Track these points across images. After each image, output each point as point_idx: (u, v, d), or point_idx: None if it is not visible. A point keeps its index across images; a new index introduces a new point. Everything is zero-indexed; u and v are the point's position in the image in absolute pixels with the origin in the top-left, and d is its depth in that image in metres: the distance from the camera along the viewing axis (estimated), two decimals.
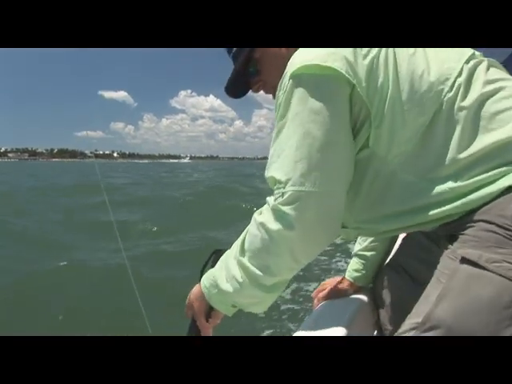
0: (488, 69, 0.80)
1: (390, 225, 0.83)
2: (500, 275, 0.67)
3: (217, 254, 0.98)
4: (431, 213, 0.77)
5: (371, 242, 1.19)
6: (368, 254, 1.20)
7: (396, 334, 0.79)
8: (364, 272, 1.22)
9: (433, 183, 0.76)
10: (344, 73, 0.73)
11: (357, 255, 1.24)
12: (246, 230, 0.85)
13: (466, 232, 0.74)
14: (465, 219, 0.75)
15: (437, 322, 0.70)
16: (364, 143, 0.79)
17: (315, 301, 1.28)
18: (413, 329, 0.74)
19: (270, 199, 0.79)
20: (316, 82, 0.75)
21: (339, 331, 0.92)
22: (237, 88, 1.04)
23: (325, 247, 0.83)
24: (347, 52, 0.75)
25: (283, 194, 0.76)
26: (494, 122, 0.74)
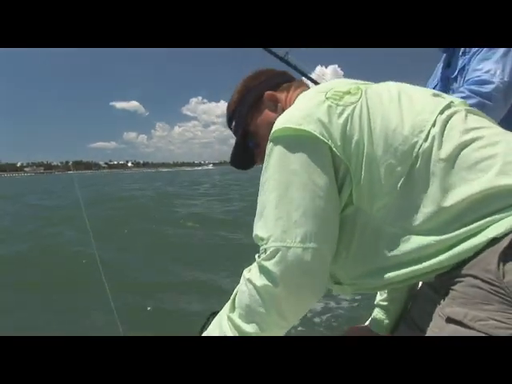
0: (466, 117, 0.80)
1: (383, 279, 0.81)
2: (486, 334, 0.66)
3: (214, 316, 0.96)
4: (421, 266, 0.76)
5: (392, 293, 1.17)
6: (389, 304, 1.19)
7: None
8: (387, 322, 1.20)
9: (418, 236, 0.76)
10: (318, 135, 0.76)
11: (378, 305, 1.22)
12: (237, 288, 0.86)
13: (455, 287, 0.73)
14: (454, 273, 0.74)
15: None
16: (348, 200, 0.80)
17: None
18: None
19: (257, 256, 0.81)
20: (291, 144, 0.79)
21: None
22: (243, 161, 1.09)
23: (312, 304, 0.84)
24: (321, 113, 0.78)
25: (266, 249, 0.78)
26: (472, 172, 0.74)
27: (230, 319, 0.84)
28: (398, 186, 0.76)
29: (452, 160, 0.75)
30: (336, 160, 0.78)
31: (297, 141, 0.78)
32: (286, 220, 0.77)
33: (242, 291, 0.82)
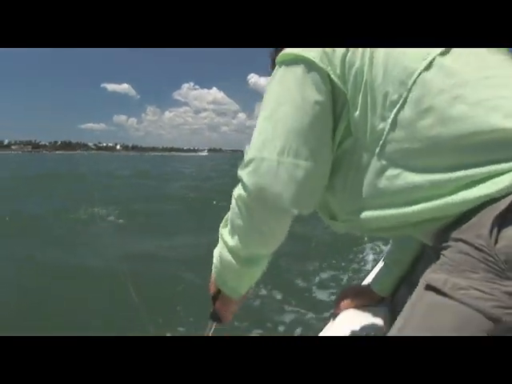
0: (485, 54, 0.73)
1: (375, 219, 0.78)
2: (465, 304, 0.61)
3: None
4: (410, 210, 0.71)
5: (398, 253, 1.17)
6: (393, 265, 1.18)
7: None
8: (389, 284, 1.20)
9: (412, 173, 0.71)
10: (318, 61, 0.76)
11: (383, 266, 1.22)
12: None
13: (445, 253, 0.68)
14: (447, 235, 0.69)
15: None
16: (346, 131, 0.78)
17: (335, 309, 1.27)
18: None
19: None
20: (290, 66, 0.79)
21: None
22: None
23: (286, 224, 0.83)
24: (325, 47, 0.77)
25: (244, 160, 0.79)
26: (479, 108, 0.65)
27: (220, 234, 0.89)
28: (392, 115, 0.72)
29: (455, 93, 0.67)
30: (335, 90, 0.77)
31: (295, 63, 0.78)
32: (270, 133, 0.77)
33: (230, 207, 0.85)
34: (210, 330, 1.04)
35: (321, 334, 1.12)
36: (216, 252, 0.93)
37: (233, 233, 0.86)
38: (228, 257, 0.88)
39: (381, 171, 0.75)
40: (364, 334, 1.06)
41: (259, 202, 0.78)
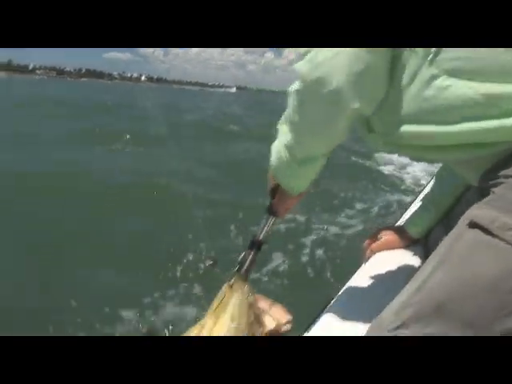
0: None
1: (418, 134, 0.71)
2: None
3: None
4: (463, 128, 0.63)
5: (437, 194, 1.14)
6: (430, 205, 1.14)
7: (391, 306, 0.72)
8: (425, 225, 1.15)
9: (476, 88, 0.62)
10: None
11: (420, 207, 1.18)
12: None
13: (494, 189, 0.61)
14: (498, 172, 0.62)
15: (427, 295, 0.63)
16: None
17: (367, 251, 1.23)
18: (409, 295, 0.67)
19: None
20: None
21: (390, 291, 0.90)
22: None
23: (343, 116, 0.76)
24: None
25: (300, 52, 0.75)
26: None
27: (278, 130, 0.90)
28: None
29: None
30: None
31: None
32: None
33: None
34: (269, 225, 1.06)
35: (353, 278, 1.11)
36: (274, 147, 0.92)
37: (290, 130, 0.85)
38: (285, 154, 0.87)
39: (430, 80, 0.67)
40: (397, 277, 1.03)
41: (316, 92, 0.73)
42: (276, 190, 0.99)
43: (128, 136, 9.49)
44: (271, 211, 1.03)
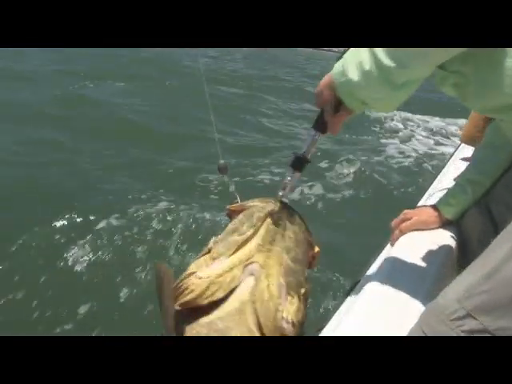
0: None
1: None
2: None
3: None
4: None
5: (475, 174, 1.10)
6: (466, 185, 1.10)
7: (462, 283, 0.69)
8: (460, 206, 1.11)
9: None
10: None
11: (456, 186, 1.14)
12: None
13: None
14: None
15: (502, 284, 0.62)
16: None
17: (396, 231, 1.17)
18: (475, 282, 0.65)
19: None
20: None
21: (421, 274, 0.87)
22: None
23: None
24: None
25: None
26: None
27: (371, 51, 0.78)
28: None
29: None
30: None
31: None
32: None
33: None
34: (314, 141, 0.98)
35: (379, 261, 1.03)
36: (353, 64, 0.81)
37: (392, 52, 0.76)
38: (378, 75, 0.78)
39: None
40: (430, 261, 0.97)
41: None
42: (336, 106, 0.90)
43: None
44: (320, 127, 0.96)
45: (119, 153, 4.53)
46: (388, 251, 1.10)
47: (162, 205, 3.32)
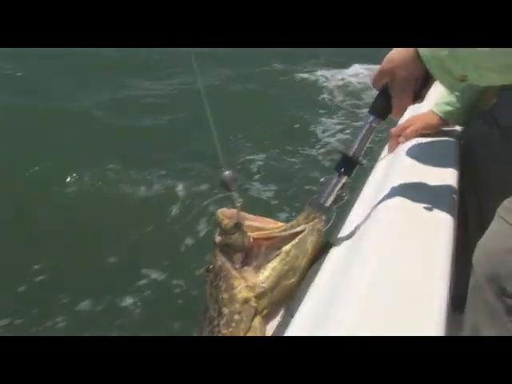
0: None
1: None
2: None
3: None
4: None
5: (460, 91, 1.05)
6: (464, 92, 1.04)
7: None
8: (457, 109, 1.06)
9: None
10: None
11: (442, 97, 1.11)
12: None
13: None
14: None
15: None
16: None
17: (400, 138, 1.09)
18: None
19: None
20: None
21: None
22: None
23: None
24: None
25: None
26: None
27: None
28: None
29: None
30: None
31: None
32: None
33: None
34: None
35: (381, 158, 1.02)
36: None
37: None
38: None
39: None
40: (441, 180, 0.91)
41: None
42: (409, 83, 0.76)
43: None
44: (382, 111, 0.80)
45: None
46: (392, 158, 1.04)
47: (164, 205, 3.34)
